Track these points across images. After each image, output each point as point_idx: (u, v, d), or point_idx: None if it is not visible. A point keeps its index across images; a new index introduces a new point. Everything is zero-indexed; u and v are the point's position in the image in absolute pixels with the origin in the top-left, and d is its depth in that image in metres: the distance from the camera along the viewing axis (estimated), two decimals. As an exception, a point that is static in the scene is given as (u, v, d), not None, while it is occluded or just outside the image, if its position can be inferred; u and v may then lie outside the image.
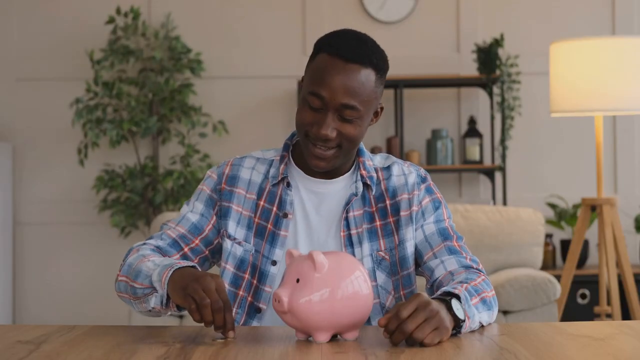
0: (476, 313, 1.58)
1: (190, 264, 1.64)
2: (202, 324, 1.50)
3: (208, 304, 1.48)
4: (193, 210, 1.83)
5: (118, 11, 4.85)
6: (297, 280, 1.46)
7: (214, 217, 1.82)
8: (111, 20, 4.81)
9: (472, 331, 1.58)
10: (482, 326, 1.63)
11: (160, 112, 4.90)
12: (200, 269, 1.64)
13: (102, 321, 4.89)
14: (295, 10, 5.09)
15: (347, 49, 1.70)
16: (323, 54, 1.72)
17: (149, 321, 3.47)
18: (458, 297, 1.55)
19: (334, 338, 1.50)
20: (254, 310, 1.79)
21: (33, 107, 5.09)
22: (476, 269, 1.75)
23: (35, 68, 5.09)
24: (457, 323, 1.52)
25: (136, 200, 4.83)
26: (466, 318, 1.53)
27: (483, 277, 1.71)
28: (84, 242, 5.08)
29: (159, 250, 1.79)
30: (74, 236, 5.08)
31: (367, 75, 1.70)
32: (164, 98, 4.86)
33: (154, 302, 1.63)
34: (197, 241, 1.81)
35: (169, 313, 1.64)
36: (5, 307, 4.92)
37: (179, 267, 1.60)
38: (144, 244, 1.79)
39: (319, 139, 1.71)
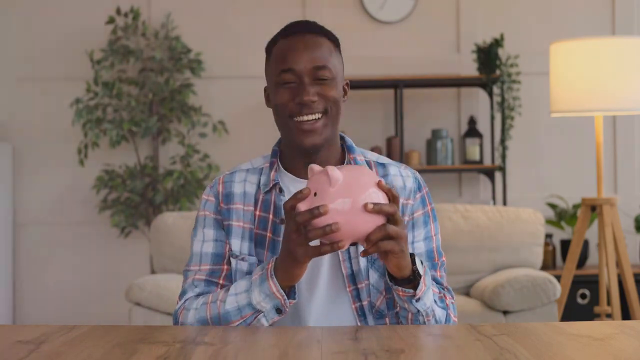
0: (431, 295, 1.65)
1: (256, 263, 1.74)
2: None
3: (306, 220, 1.50)
4: (205, 240, 1.81)
5: (118, 11, 4.85)
6: (315, 194, 1.51)
7: (226, 237, 1.81)
8: (111, 21, 4.81)
9: (468, 330, 1.58)
10: (434, 317, 1.68)
11: (160, 112, 4.90)
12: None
13: (102, 321, 4.89)
14: (295, 10, 5.09)
15: (297, 25, 1.76)
16: (279, 42, 1.76)
17: (149, 321, 3.47)
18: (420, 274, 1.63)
19: (354, 245, 1.62)
20: None
21: (33, 107, 5.09)
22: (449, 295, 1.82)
23: (35, 68, 5.09)
24: (415, 278, 1.61)
25: (136, 200, 4.83)
26: (422, 284, 1.61)
27: (452, 300, 1.78)
28: (84, 242, 5.08)
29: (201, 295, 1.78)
30: (74, 236, 5.08)
31: (324, 43, 1.75)
32: (164, 98, 4.86)
33: (265, 321, 1.65)
34: (225, 267, 1.80)
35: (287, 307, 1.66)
36: (5, 307, 4.92)
37: (263, 274, 1.64)
38: (186, 301, 1.76)
39: (304, 106, 1.72)
